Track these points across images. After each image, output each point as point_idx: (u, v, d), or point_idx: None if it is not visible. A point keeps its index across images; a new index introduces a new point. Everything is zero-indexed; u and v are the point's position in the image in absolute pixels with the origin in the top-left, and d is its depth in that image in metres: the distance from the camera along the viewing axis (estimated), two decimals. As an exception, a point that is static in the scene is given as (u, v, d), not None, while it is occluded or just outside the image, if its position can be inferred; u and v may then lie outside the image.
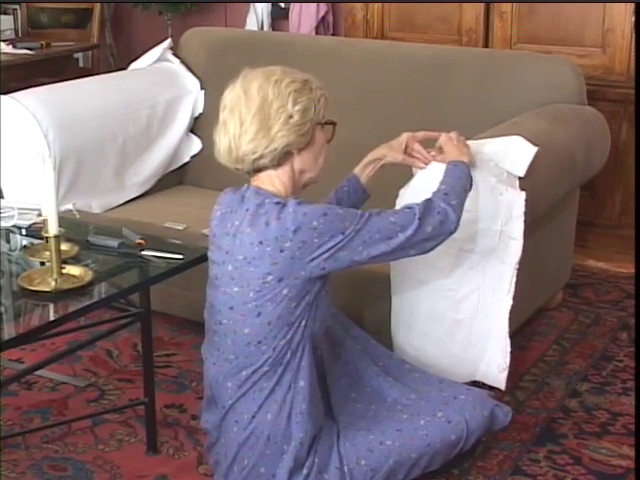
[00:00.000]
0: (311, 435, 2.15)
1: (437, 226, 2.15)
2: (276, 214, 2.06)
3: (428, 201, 2.18)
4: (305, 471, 2.15)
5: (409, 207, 2.17)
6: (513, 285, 2.52)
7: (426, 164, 2.47)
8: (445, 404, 2.26)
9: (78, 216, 3.06)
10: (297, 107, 2.06)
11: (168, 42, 3.86)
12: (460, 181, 2.26)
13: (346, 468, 2.17)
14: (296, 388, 2.14)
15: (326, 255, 2.06)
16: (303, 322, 2.12)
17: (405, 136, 2.50)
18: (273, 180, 2.13)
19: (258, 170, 2.13)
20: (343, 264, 2.10)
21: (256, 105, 2.06)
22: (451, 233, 2.20)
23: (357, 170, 2.52)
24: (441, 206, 2.17)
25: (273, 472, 2.17)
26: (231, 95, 2.12)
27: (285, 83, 2.08)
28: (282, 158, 2.10)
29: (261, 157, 2.08)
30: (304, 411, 2.14)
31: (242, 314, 2.12)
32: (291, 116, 2.06)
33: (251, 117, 2.06)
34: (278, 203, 2.07)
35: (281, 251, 2.05)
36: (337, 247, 2.06)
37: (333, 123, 2.17)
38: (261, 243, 2.06)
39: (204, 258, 2.45)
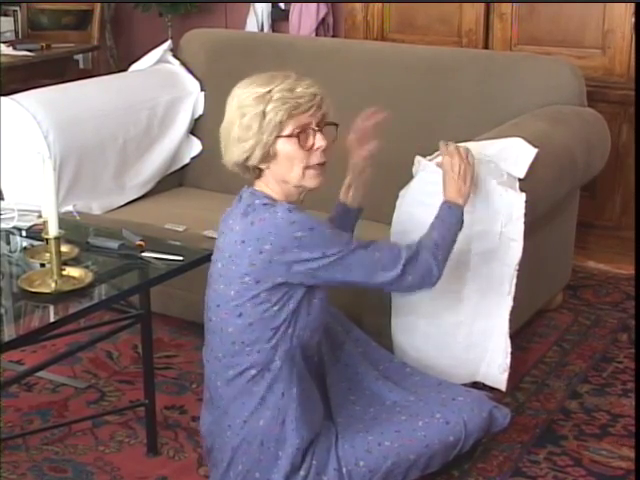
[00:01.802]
0: (307, 440, 2.14)
1: (418, 279, 2.17)
2: (261, 215, 2.06)
3: (417, 248, 2.18)
4: (302, 473, 2.14)
5: (398, 248, 2.17)
6: (513, 286, 2.52)
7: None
8: (443, 405, 2.26)
9: (78, 217, 3.06)
10: (244, 122, 2.08)
11: (168, 43, 3.87)
12: (452, 229, 2.26)
13: (344, 470, 2.16)
14: (290, 396, 2.13)
15: (302, 268, 2.06)
16: (290, 330, 2.11)
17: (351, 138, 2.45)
18: (268, 182, 2.14)
19: (257, 176, 2.15)
20: (319, 281, 2.11)
21: (230, 113, 2.13)
22: (430, 287, 2.21)
23: (341, 196, 2.51)
24: (428, 261, 2.17)
25: (268, 477, 2.16)
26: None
27: (249, 91, 2.10)
28: (254, 170, 2.13)
29: (246, 160, 2.11)
30: (299, 418, 2.13)
31: (226, 312, 2.14)
32: (236, 134, 2.09)
33: (228, 124, 2.13)
34: (266, 204, 2.08)
35: (260, 252, 2.05)
36: (315, 265, 2.06)
37: (308, 133, 2.09)
38: (243, 242, 2.07)
39: (204, 260, 2.46)
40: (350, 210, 2.48)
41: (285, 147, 2.08)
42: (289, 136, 2.07)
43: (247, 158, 2.09)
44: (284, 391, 2.12)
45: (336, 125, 2.16)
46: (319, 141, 2.10)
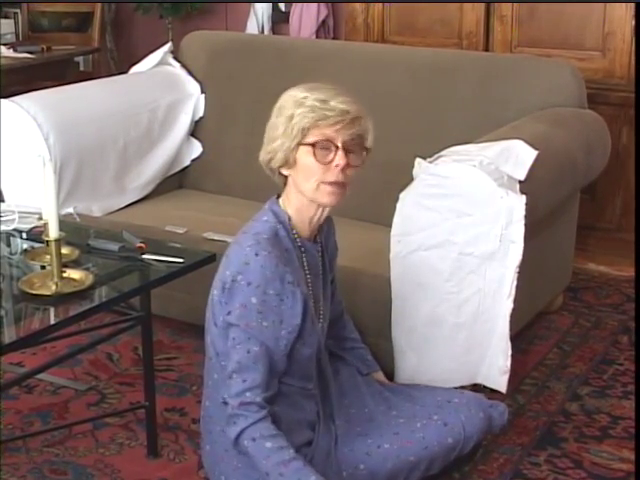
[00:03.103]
0: (295, 447, 2.08)
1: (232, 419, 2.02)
2: (243, 238, 2.06)
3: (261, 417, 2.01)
4: None
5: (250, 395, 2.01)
6: (514, 288, 2.52)
7: None
8: (440, 407, 2.26)
9: (79, 220, 3.06)
10: (275, 121, 2.08)
11: (169, 46, 3.87)
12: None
13: (344, 473, 2.16)
14: (272, 412, 2.06)
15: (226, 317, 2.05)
16: None
17: None
18: (289, 192, 2.12)
19: (284, 182, 2.14)
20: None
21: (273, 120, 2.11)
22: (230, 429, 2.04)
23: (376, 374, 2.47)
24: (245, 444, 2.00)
25: None
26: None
27: (287, 94, 2.09)
28: (280, 175, 2.11)
29: (270, 170, 2.12)
30: (282, 430, 2.06)
31: (208, 316, 2.14)
32: (267, 133, 2.09)
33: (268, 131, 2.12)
34: (257, 234, 2.05)
35: (223, 273, 2.06)
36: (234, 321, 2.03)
37: (331, 149, 2.04)
38: (227, 256, 2.08)
39: (205, 262, 2.46)
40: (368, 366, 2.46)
41: (304, 156, 2.04)
42: (309, 145, 2.03)
43: (270, 160, 2.08)
44: None
45: (367, 150, 2.09)
46: (339, 159, 2.03)
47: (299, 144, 2.04)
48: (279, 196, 2.15)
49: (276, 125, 2.06)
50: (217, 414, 2.15)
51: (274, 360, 2.04)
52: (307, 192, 2.08)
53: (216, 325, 2.09)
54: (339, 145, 2.03)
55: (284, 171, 2.09)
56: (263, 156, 2.11)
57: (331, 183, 2.05)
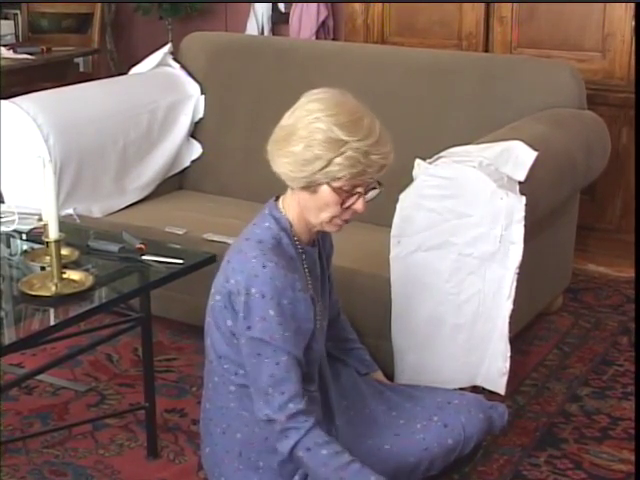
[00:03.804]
0: None
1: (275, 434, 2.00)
2: (248, 248, 2.01)
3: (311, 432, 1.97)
4: (297, 478, 2.13)
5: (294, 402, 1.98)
6: (513, 289, 2.52)
7: None
8: (440, 409, 2.26)
9: (78, 221, 3.06)
10: (308, 152, 1.95)
11: (168, 47, 3.87)
12: None
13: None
14: None
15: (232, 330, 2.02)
16: None
17: None
18: (292, 201, 2.07)
19: (291, 187, 2.07)
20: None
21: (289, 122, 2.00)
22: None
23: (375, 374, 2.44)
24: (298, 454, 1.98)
25: None
26: (295, 114, 2.01)
27: (324, 122, 1.94)
28: (306, 186, 2.01)
29: (294, 180, 2.01)
30: None
31: (209, 319, 2.11)
32: (295, 154, 1.97)
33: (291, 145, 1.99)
34: (261, 242, 2.01)
35: (227, 281, 2.01)
36: (245, 334, 1.99)
37: (355, 193, 1.99)
38: (228, 261, 2.04)
39: (204, 263, 2.46)
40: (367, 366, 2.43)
41: (327, 194, 1.99)
42: (337, 188, 1.98)
43: (289, 178, 2.02)
44: None
45: (357, 194, 2.02)
46: (359, 206, 2.00)
47: (327, 183, 1.98)
48: (277, 197, 2.12)
49: (306, 158, 1.96)
50: (218, 416, 2.14)
51: (302, 365, 2.03)
52: (316, 220, 2.04)
53: (218, 329, 2.07)
54: (362, 192, 2.01)
55: (299, 191, 2.03)
56: (281, 168, 2.00)
57: (345, 220, 2.05)
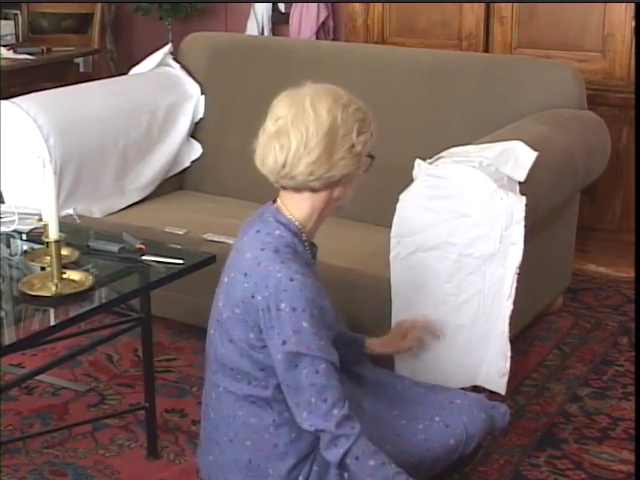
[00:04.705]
0: (305, 453, 2.09)
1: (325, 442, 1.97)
2: (270, 262, 1.97)
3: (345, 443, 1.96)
4: (302, 479, 2.13)
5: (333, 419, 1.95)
6: (513, 290, 2.52)
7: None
8: (442, 408, 2.25)
9: (78, 221, 3.06)
10: (360, 138, 1.98)
11: (168, 47, 3.87)
12: None
13: (346, 475, 2.15)
14: (282, 420, 2.06)
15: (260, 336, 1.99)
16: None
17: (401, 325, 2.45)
18: (303, 203, 2.04)
19: (298, 190, 2.03)
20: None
21: (325, 127, 1.95)
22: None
23: (371, 344, 2.42)
24: (346, 455, 1.96)
25: None
26: (294, 108, 1.98)
27: (352, 110, 1.99)
28: (329, 185, 2.01)
29: (314, 180, 1.98)
30: (293, 439, 2.07)
31: (220, 332, 2.07)
32: (353, 145, 1.98)
33: (318, 139, 1.95)
34: (278, 252, 1.98)
35: (252, 297, 1.97)
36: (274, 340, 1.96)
37: (373, 157, 2.06)
38: (245, 275, 1.99)
39: (204, 263, 2.46)
40: (362, 349, 2.41)
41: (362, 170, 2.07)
42: (371, 157, 2.06)
43: (352, 173, 2.02)
44: (275, 418, 2.06)
45: (373, 158, 2.08)
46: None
47: (367, 156, 2.03)
48: (274, 201, 2.08)
49: (365, 140, 1.99)
50: (224, 425, 2.11)
51: (338, 371, 2.01)
52: (350, 198, 2.08)
53: (231, 342, 2.03)
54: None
55: (344, 181, 2.02)
56: (339, 170, 1.98)
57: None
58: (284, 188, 2.05)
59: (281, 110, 2.00)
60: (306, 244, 2.08)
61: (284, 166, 1.98)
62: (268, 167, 2.01)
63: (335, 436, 1.95)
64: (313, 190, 2.01)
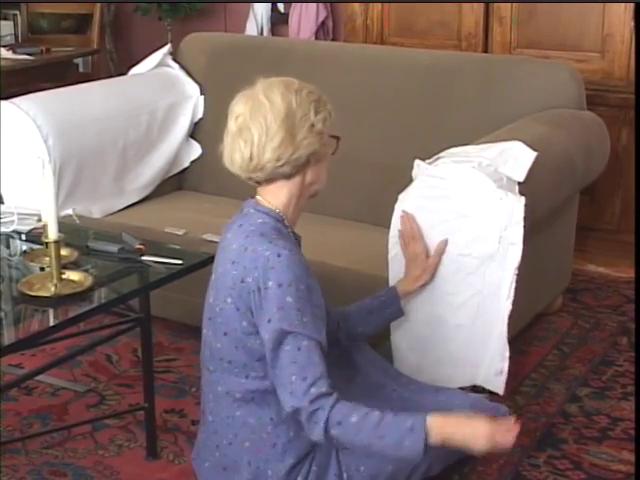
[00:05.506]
0: (305, 453, 2.09)
1: (308, 424, 1.95)
2: (257, 244, 2.00)
3: (330, 413, 1.92)
4: (300, 479, 2.13)
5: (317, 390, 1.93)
6: (513, 290, 2.51)
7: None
8: (442, 409, 2.25)
9: (78, 221, 3.06)
10: (319, 116, 2.03)
11: (168, 47, 3.87)
12: (386, 448, 1.97)
13: (345, 475, 2.15)
14: (280, 419, 2.06)
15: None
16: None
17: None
18: (279, 192, 2.08)
19: (271, 180, 2.07)
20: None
21: (282, 113, 2.01)
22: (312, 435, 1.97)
23: (402, 286, 2.44)
24: (332, 431, 1.92)
25: None
26: (250, 103, 2.05)
27: (305, 93, 2.04)
28: (299, 168, 2.05)
29: (283, 165, 2.02)
30: (292, 438, 2.07)
31: (214, 327, 2.08)
32: (313, 125, 2.02)
33: (278, 125, 2.00)
34: (263, 235, 2.01)
35: (241, 281, 1.99)
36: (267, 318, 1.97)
37: (338, 137, 2.12)
38: (233, 263, 2.02)
39: (204, 263, 2.46)
40: (393, 304, 2.42)
41: (329, 148, 2.12)
42: (332, 137, 2.11)
43: (318, 152, 2.07)
44: (273, 416, 2.06)
45: (338, 139, 2.14)
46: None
47: (330, 136, 2.08)
48: (252, 197, 2.11)
49: (324, 118, 2.05)
50: (223, 427, 2.11)
51: (324, 349, 2.01)
52: (324, 181, 2.12)
53: (226, 335, 2.04)
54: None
55: (312, 162, 2.06)
56: (304, 150, 2.03)
57: None
58: (258, 183, 2.09)
59: (239, 108, 2.08)
60: (289, 230, 2.11)
61: (251, 158, 2.03)
62: (237, 164, 2.06)
63: (311, 412, 1.93)
64: (285, 177, 2.05)
